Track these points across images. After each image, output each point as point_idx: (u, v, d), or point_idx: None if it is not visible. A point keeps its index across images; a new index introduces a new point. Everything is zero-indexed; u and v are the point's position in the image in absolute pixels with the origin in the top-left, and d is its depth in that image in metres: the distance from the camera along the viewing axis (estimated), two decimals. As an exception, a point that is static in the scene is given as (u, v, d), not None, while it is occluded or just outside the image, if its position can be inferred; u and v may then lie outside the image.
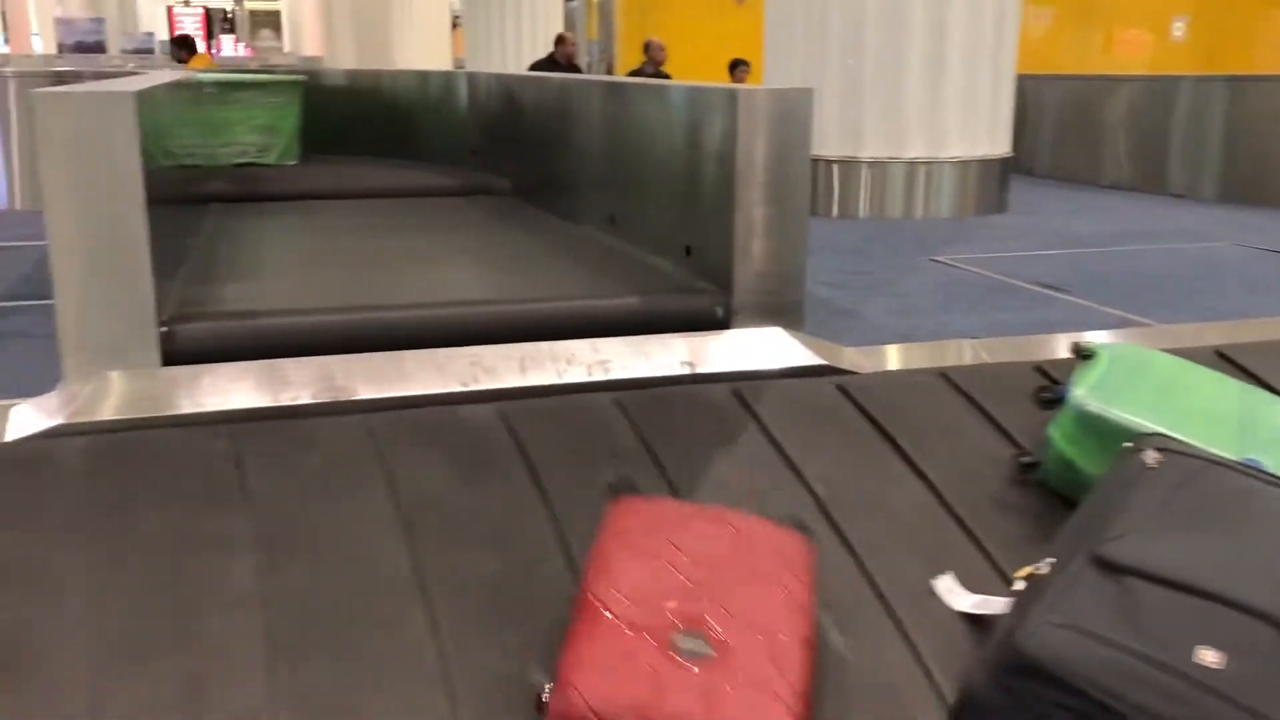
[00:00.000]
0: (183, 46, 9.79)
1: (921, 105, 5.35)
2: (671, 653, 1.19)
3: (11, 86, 5.55)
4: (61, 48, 23.60)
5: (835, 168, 5.44)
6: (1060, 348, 2.41)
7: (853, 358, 2.50)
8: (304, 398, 2.18)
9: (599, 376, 2.35)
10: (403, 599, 1.52)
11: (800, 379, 2.40)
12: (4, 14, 29.91)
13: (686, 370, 2.38)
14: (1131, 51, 11.35)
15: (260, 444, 1.97)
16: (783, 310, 2.55)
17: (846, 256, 4.25)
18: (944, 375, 2.30)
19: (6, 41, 28.85)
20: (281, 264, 3.17)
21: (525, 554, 1.62)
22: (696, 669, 1.18)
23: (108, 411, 2.12)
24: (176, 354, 2.27)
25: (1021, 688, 1.12)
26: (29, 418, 2.10)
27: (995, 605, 1.34)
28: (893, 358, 2.70)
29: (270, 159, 4.64)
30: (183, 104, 4.37)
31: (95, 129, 2.16)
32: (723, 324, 2.54)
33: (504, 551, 1.63)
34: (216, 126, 4.52)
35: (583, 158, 3.62)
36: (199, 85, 4.46)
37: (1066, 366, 1.89)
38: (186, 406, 2.16)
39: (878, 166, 5.38)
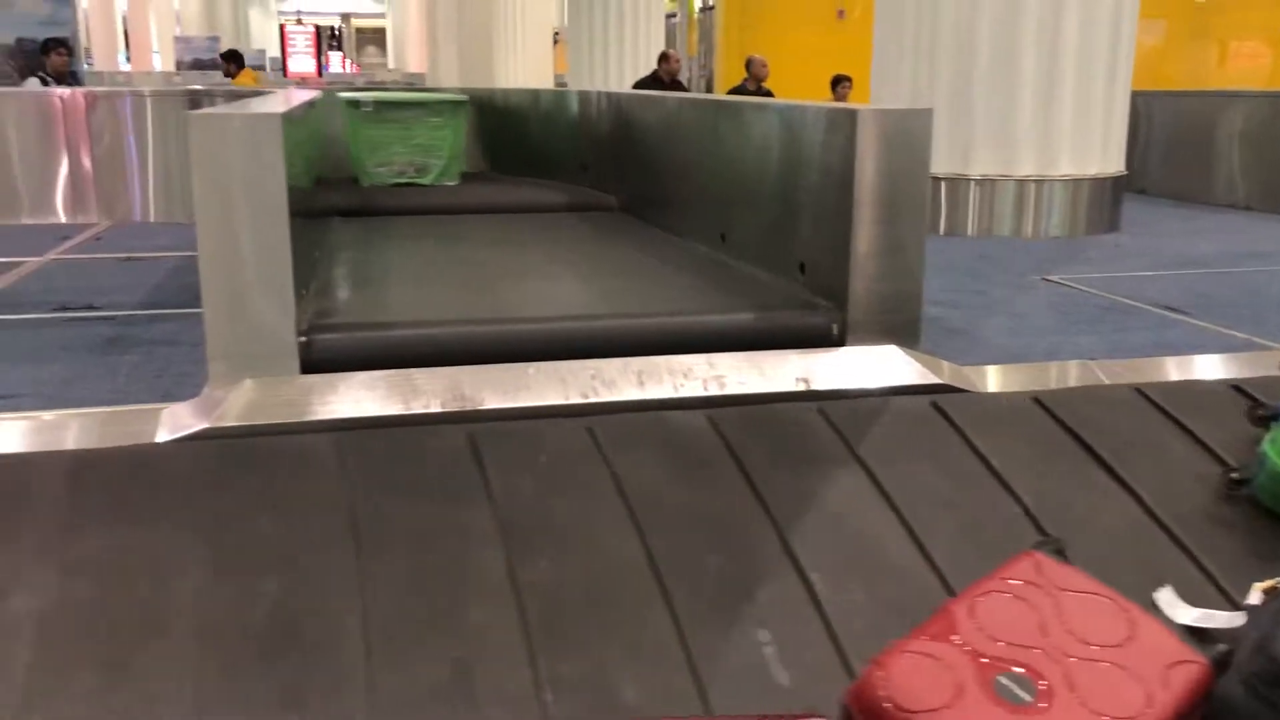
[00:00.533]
0: (230, 60, 9.96)
1: (1033, 122, 5.28)
2: (990, 684, 1.18)
3: (149, 105, 5.84)
4: (179, 65, 24.53)
5: (943, 185, 5.40)
6: (1198, 368, 2.40)
7: (970, 377, 2.50)
8: (433, 406, 2.27)
9: (715, 391, 2.40)
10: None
11: (916, 396, 2.41)
12: (126, 33, 31.22)
13: (802, 387, 2.40)
14: (1248, 66, 11.01)
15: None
16: (899, 328, 2.56)
17: (957, 275, 4.23)
18: (1036, 399, 2.31)
19: (129, 59, 30.07)
20: (405, 276, 3.27)
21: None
22: (1003, 709, 1.16)
23: (250, 417, 2.23)
24: (313, 363, 2.38)
25: (1281, 698, 1.14)
26: (179, 420, 2.22)
27: (1219, 619, 1.35)
28: (996, 378, 2.69)
29: (428, 179, 4.69)
30: (331, 123, 4.56)
31: (244, 149, 2.28)
32: (838, 341, 2.56)
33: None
34: (374, 145, 4.60)
35: (694, 174, 3.66)
36: (356, 104, 4.60)
37: (1267, 384, 1.88)
38: (322, 413, 2.26)
39: (986, 184, 5.33)
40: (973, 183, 5.36)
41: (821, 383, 2.42)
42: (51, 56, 7.72)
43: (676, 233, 3.75)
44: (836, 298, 2.56)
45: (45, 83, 7.38)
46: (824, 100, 9.54)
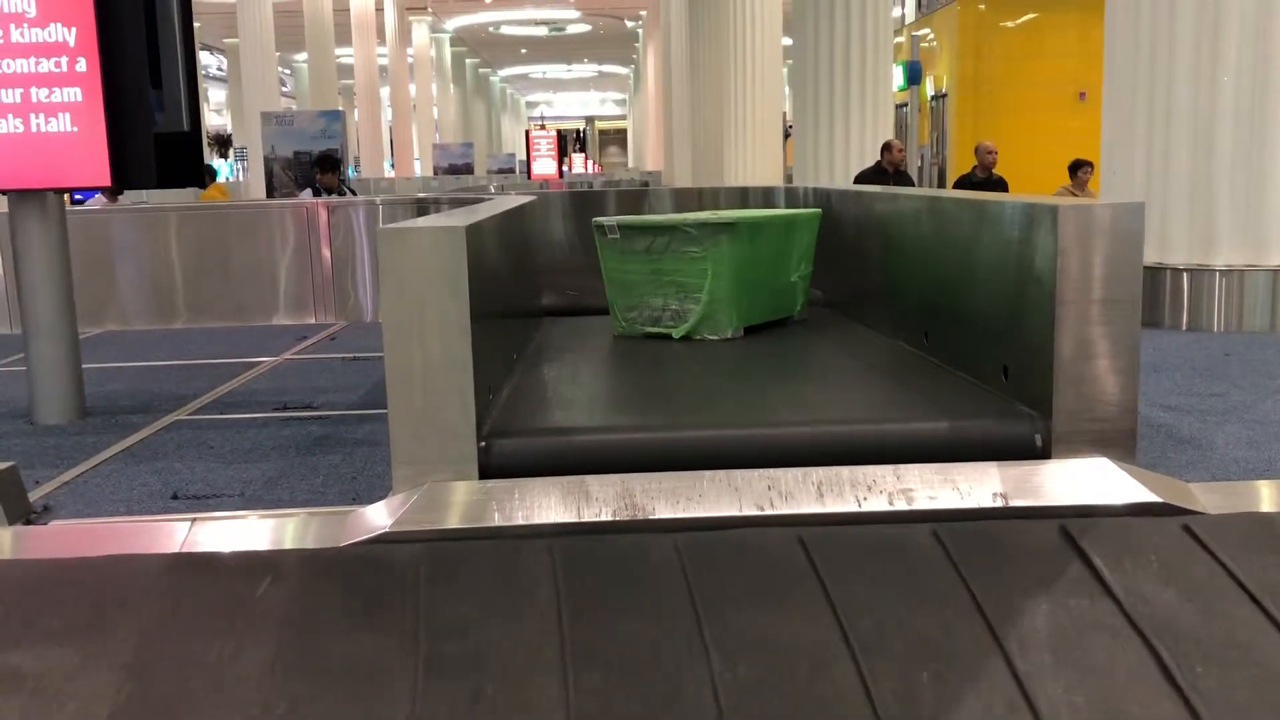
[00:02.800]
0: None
1: (1288, 207, 4.83)
2: None
3: (381, 211, 6.26)
4: (436, 170, 26.39)
5: (1185, 276, 4.99)
6: None
7: (1196, 495, 2.25)
8: (605, 515, 2.24)
9: (902, 506, 2.25)
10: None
11: (1134, 517, 2.18)
12: (392, 142, 33.94)
13: (1000, 503, 2.22)
14: None
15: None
16: (1111, 440, 2.35)
17: (1194, 376, 3.86)
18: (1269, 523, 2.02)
19: (393, 166, 32.61)
20: (593, 377, 3.29)
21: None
22: None
23: (425, 522, 2.26)
24: (492, 467, 2.40)
25: None
26: (365, 523, 2.29)
27: None
28: (1245, 497, 2.40)
29: (681, 330, 3.35)
30: (548, 224, 4.70)
31: (428, 261, 2.35)
32: (1042, 453, 2.37)
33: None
34: (624, 284, 3.48)
35: (899, 271, 3.54)
36: (603, 230, 3.50)
37: None
38: (499, 520, 2.27)
39: (1234, 275, 4.88)
40: (1218, 273, 4.93)
41: (1021, 499, 2.23)
42: (326, 175, 8.45)
43: (880, 330, 3.62)
44: (1041, 405, 2.38)
45: (317, 193, 8.07)
46: (1063, 185, 9.16)
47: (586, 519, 2.25)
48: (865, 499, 2.25)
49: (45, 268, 3.56)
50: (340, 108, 18.70)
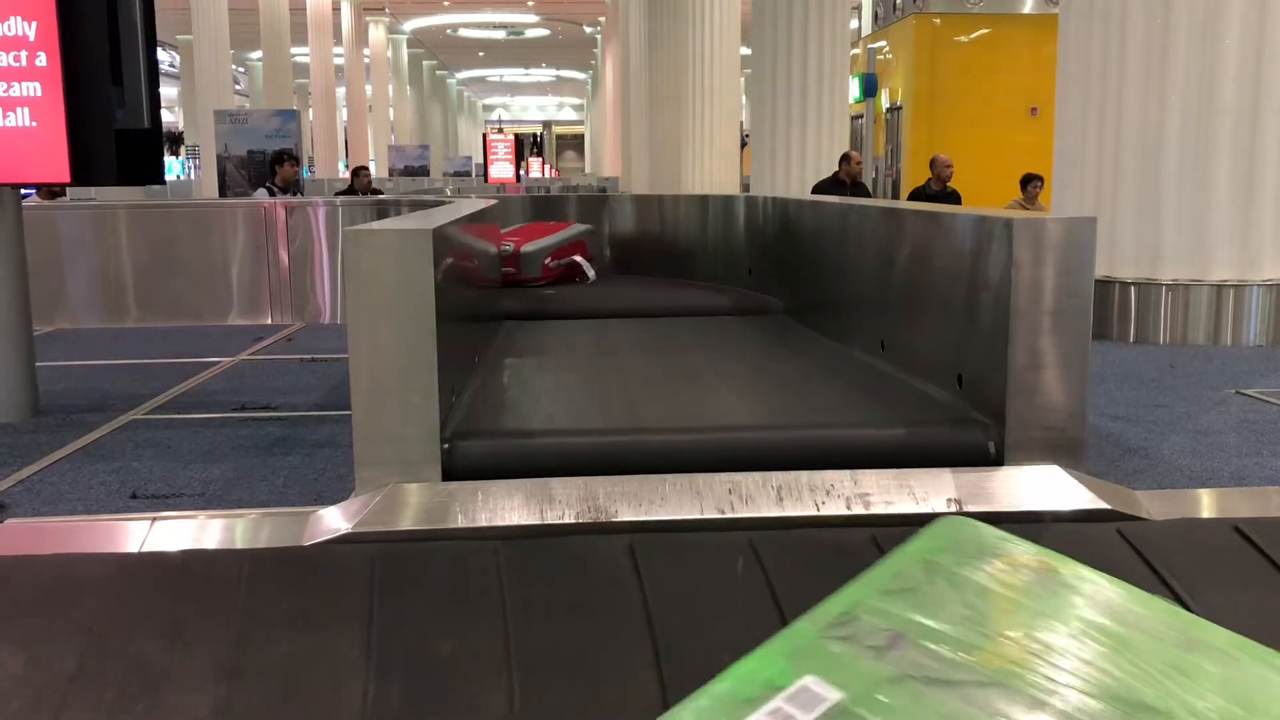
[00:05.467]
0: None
1: (1229, 224, 4.94)
2: None
3: (340, 213, 6.24)
4: (392, 171, 26.20)
5: (1132, 290, 5.10)
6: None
7: (1141, 502, 2.32)
8: (568, 517, 2.27)
9: (859, 510, 2.30)
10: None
11: (1081, 523, 2.25)
12: (347, 143, 33.65)
13: (954, 509, 2.28)
14: None
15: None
16: (1061, 447, 2.41)
17: (1140, 387, 3.95)
18: (1238, 529, 2.09)
19: (348, 167, 32.34)
20: (557, 381, 3.32)
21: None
22: None
23: (387, 523, 2.28)
24: (455, 469, 2.41)
25: None
26: (325, 524, 2.29)
27: None
28: (1186, 504, 2.48)
29: None
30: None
31: (394, 263, 2.37)
32: (995, 460, 2.43)
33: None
34: None
35: (856, 280, 3.60)
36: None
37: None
38: (462, 521, 2.29)
39: (1179, 289, 5.00)
40: (1164, 288, 5.05)
41: (975, 504, 2.29)
42: (285, 166, 8.35)
43: (837, 339, 3.68)
44: (995, 413, 2.44)
45: (272, 193, 7.98)
46: (1014, 199, 9.31)
47: (549, 521, 2.27)
48: (823, 503, 2.30)
49: (1, 264, 3.52)
50: (295, 107, 18.52)
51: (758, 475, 2.36)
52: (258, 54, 27.35)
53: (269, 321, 6.14)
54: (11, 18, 3.12)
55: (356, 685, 1.65)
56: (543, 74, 46.03)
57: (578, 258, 5.26)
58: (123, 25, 3.26)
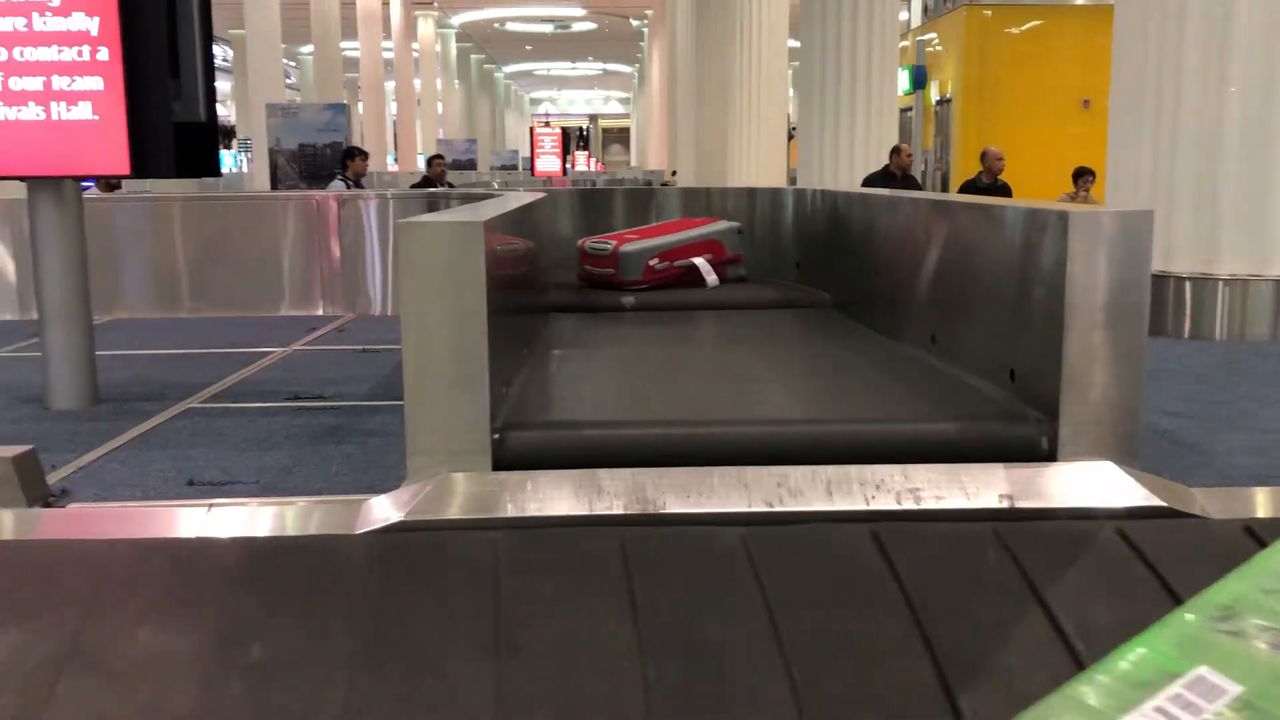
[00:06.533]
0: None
1: (1293, 217, 4.86)
2: None
3: (391, 206, 6.30)
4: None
5: (1188, 285, 5.02)
6: None
7: (1198, 500, 2.28)
8: (616, 508, 2.27)
9: (909, 505, 2.28)
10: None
11: (1136, 520, 2.22)
12: (395, 137, 33.94)
13: (1006, 504, 2.26)
14: None
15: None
16: (1116, 444, 2.38)
17: (1197, 383, 3.89)
18: (1263, 530, 2.06)
19: (396, 160, 32.61)
20: (607, 373, 3.33)
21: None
22: None
23: (437, 511, 2.30)
24: (505, 459, 2.43)
25: None
26: (377, 512, 2.32)
27: None
28: (1244, 503, 2.43)
29: None
30: (557, 221, 4.73)
31: (447, 255, 2.39)
32: (1048, 456, 2.40)
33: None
34: None
35: (906, 274, 3.57)
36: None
37: None
38: (512, 511, 2.31)
39: (1237, 284, 4.91)
40: (1221, 282, 4.96)
41: (1027, 501, 2.27)
42: (356, 161, 8.53)
43: (886, 333, 3.66)
44: (1047, 408, 2.41)
45: (348, 185, 8.11)
46: (1066, 192, 9.20)
47: (598, 511, 2.28)
48: (874, 498, 2.29)
49: (62, 255, 3.59)
50: (345, 101, 18.71)
51: (807, 469, 2.35)
52: (308, 48, 27.63)
53: (320, 313, 6.22)
54: (75, 13, 3.18)
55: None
56: (589, 67, 46.10)
57: (699, 260, 4.70)
58: (180, 20, 3.32)
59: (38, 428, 3.42)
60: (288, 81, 31.34)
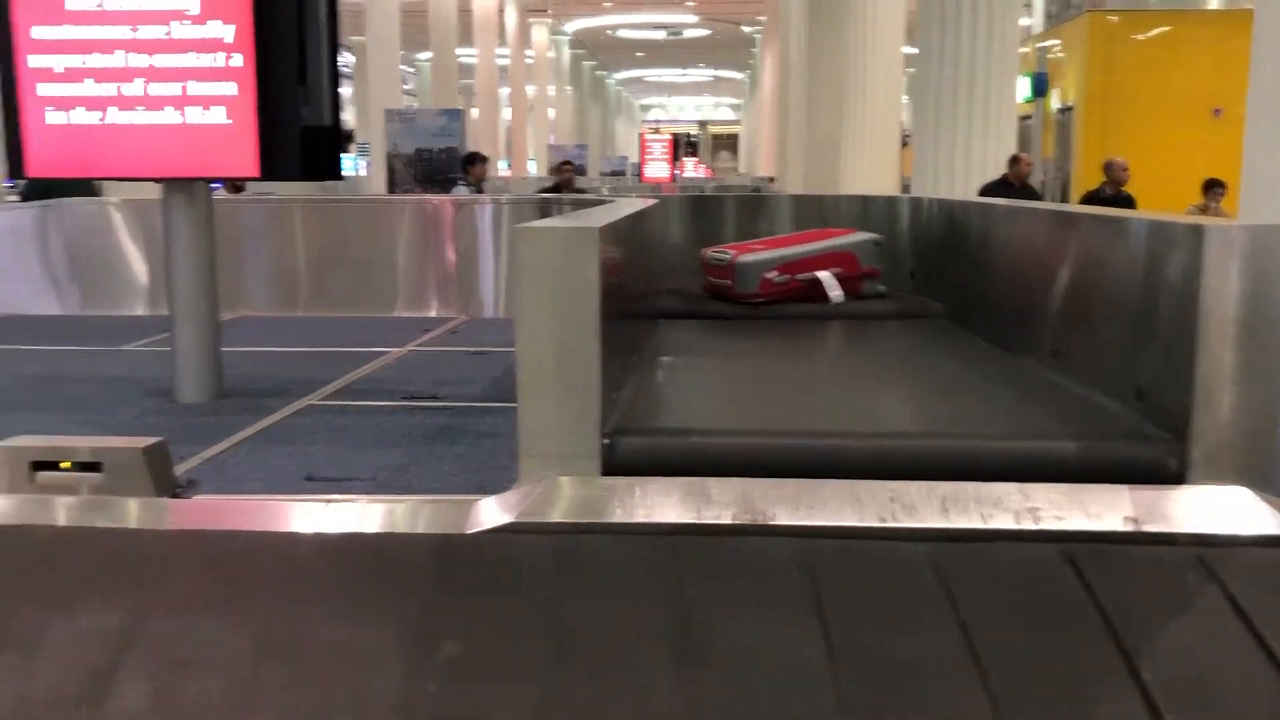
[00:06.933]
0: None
1: None
2: None
3: (506, 211, 6.40)
4: (551, 171, 26.72)
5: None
6: None
7: (1339, 530, 2.17)
8: (725, 517, 2.26)
9: (1028, 525, 2.22)
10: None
11: (1269, 549, 2.12)
12: (509, 143, 34.46)
13: (1130, 527, 2.18)
14: None
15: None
16: (1249, 467, 2.28)
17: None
18: None
19: (510, 166, 33.10)
20: (716, 381, 3.31)
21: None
22: None
23: (546, 514, 2.32)
24: (615, 465, 2.44)
25: None
26: (489, 513, 2.35)
27: None
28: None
29: None
30: (667, 228, 4.72)
31: (562, 260, 2.41)
32: (1176, 479, 2.31)
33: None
34: None
35: (1025, 286, 3.47)
36: None
37: None
38: (620, 516, 2.31)
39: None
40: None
41: (1153, 524, 2.19)
42: (478, 166, 8.97)
43: (1004, 346, 3.57)
44: (1176, 429, 2.32)
45: (470, 189, 8.37)
46: (1193, 204, 8.86)
47: (706, 520, 2.27)
48: (990, 516, 2.23)
49: (192, 255, 3.74)
50: (460, 107, 19.06)
51: (922, 484, 2.30)
52: (425, 55, 28.24)
53: (433, 314, 6.35)
54: (211, 21, 3.30)
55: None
56: (699, 74, 46.15)
57: (823, 274, 4.34)
58: (309, 27, 3.42)
59: (165, 420, 3.55)
60: (405, 87, 32.09)
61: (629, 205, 3.98)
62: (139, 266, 6.92)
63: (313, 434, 3.30)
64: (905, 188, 13.36)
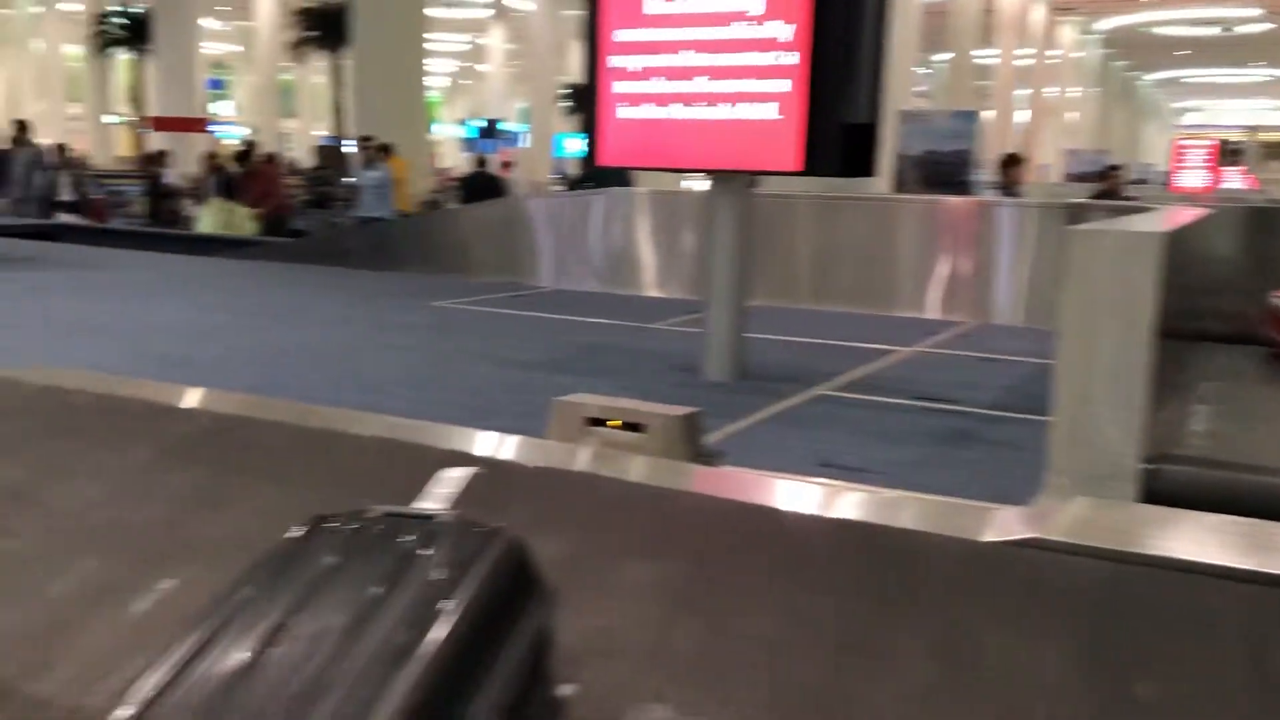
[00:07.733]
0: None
1: None
2: None
3: (1035, 215, 6.13)
4: (1067, 176, 25.19)
5: None
6: None
7: None
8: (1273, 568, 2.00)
9: None
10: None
11: None
12: (1025, 147, 32.99)
13: None
14: None
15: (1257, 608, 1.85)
16: None
17: None
18: None
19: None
20: (1264, 413, 2.95)
21: None
22: None
23: (1071, 535, 2.18)
24: (1155, 493, 2.24)
25: None
26: (1005, 524, 2.27)
27: None
28: None
29: None
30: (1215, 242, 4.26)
31: (1117, 266, 2.26)
32: None
33: None
34: None
35: None
36: None
37: None
38: (1163, 550, 2.12)
39: None
40: None
41: None
42: (1014, 169, 8.78)
43: None
44: None
45: (1001, 191, 8.23)
46: None
47: (1269, 570, 2.02)
48: None
49: (730, 243, 3.97)
50: (974, 109, 18.55)
51: None
52: (938, 55, 27.82)
53: (937, 316, 6.23)
54: (771, 21, 3.48)
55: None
56: (1254, 73, 41.19)
57: None
58: (860, 25, 3.48)
59: (691, 393, 3.82)
60: (917, 89, 31.84)
61: (1182, 214, 3.65)
62: (648, 251, 7.47)
63: (825, 422, 3.38)
64: None
